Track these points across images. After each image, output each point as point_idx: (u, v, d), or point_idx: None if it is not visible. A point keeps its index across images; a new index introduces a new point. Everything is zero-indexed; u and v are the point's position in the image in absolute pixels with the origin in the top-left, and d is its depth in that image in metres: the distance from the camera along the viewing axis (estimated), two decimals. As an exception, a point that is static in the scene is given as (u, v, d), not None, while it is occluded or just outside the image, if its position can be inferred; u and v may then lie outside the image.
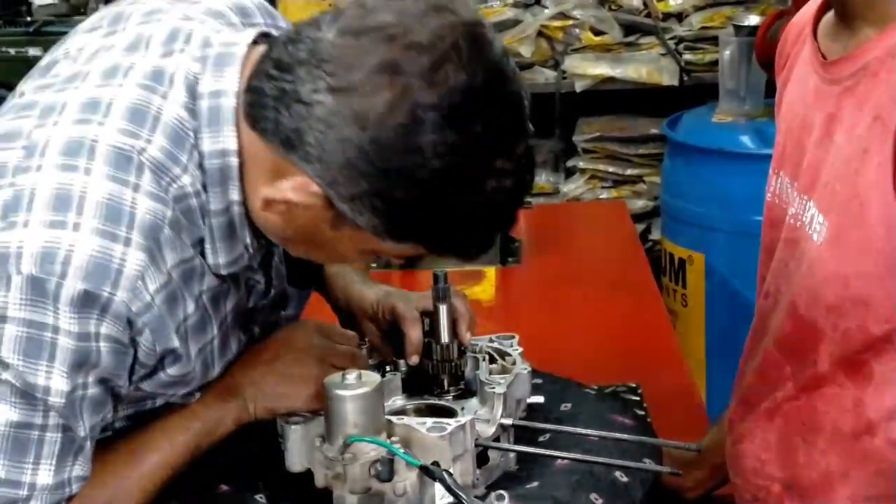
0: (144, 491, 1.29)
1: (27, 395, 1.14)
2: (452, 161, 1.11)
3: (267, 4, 1.40)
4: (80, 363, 1.15)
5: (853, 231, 1.27)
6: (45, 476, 1.17)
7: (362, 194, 1.12)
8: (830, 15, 1.39)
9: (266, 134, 1.16)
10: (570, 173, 4.25)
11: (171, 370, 1.25)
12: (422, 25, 1.11)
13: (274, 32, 1.33)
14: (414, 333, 1.49)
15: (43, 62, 1.33)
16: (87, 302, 1.12)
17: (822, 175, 1.33)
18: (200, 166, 1.21)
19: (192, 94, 1.22)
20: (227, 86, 1.21)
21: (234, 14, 1.34)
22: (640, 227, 3.99)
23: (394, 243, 1.19)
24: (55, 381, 1.14)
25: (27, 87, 1.30)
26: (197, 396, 1.33)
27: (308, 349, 1.39)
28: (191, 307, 1.24)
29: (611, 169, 4.14)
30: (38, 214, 1.13)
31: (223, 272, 1.26)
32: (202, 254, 1.24)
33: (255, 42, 1.25)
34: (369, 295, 1.55)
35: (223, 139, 1.20)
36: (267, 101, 1.15)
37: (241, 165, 1.21)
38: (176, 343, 1.22)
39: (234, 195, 1.22)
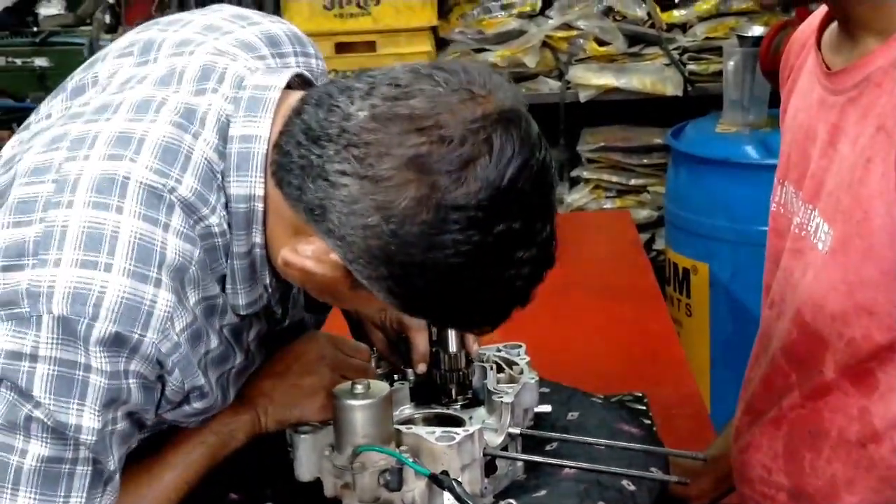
0: None
1: (58, 433, 1.14)
2: (474, 258, 1.11)
3: (297, 31, 1.40)
4: (111, 400, 1.15)
5: (857, 240, 1.27)
6: None
7: (381, 277, 1.14)
8: (834, 26, 1.40)
9: (291, 198, 1.17)
10: (574, 183, 4.25)
11: (197, 404, 1.25)
12: (454, 115, 1.10)
13: (305, 72, 1.33)
14: (420, 342, 1.49)
15: (70, 83, 1.33)
16: (118, 343, 1.13)
17: (827, 184, 1.34)
18: (226, 207, 1.21)
19: (223, 136, 1.21)
20: (258, 131, 1.20)
21: (264, 45, 1.34)
22: (645, 237, 3.99)
23: (409, 315, 1.23)
24: (86, 420, 1.14)
25: (55, 108, 1.30)
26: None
27: (319, 360, 1.39)
28: (214, 342, 1.24)
29: (615, 179, 4.15)
30: (69, 253, 1.12)
31: (242, 312, 1.26)
32: (223, 290, 1.24)
33: (288, 85, 1.25)
34: None
35: (250, 185, 1.20)
36: (293, 167, 1.15)
37: (265, 211, 1.21)
38: (202, 381, 1.23)
39: (258, 238, 1.22)
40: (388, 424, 1.30)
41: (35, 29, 4.42)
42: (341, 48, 4.00)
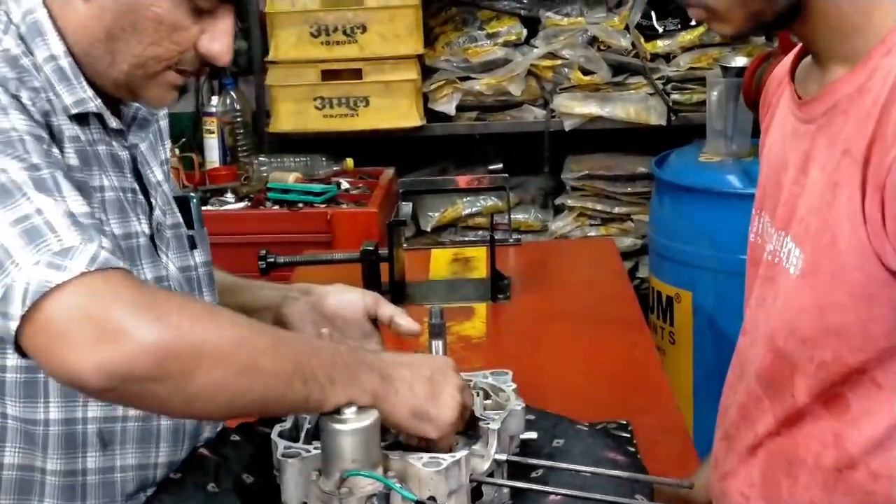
0: (241, 355, 1.23)
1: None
2: None
3: None
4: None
5: (826, 262, 1.30)
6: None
7: None
8: (808, 59, 1.43)
9: None
10: (558, 211, 4.28)
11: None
12: None
13: None
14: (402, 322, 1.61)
15: None
16: None
17: (798, 210, 1.36)
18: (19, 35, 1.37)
19: None
20: None
21: None
22: (628, 264, 4.02)
23: None
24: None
25: None
26: None
27: (452, 375, 1.38)
28: (70, 152, 1.36)
29: (599, 207, 4.18)
30: None
31: (73, 111, 1.39)
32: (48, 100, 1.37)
33: None
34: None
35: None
36: None
37: (53, 18, 1.38)
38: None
39: (55, 49, 1.38)
40: (375, 449, 1.31)
41: None
42: (328, 75, 4.03)
